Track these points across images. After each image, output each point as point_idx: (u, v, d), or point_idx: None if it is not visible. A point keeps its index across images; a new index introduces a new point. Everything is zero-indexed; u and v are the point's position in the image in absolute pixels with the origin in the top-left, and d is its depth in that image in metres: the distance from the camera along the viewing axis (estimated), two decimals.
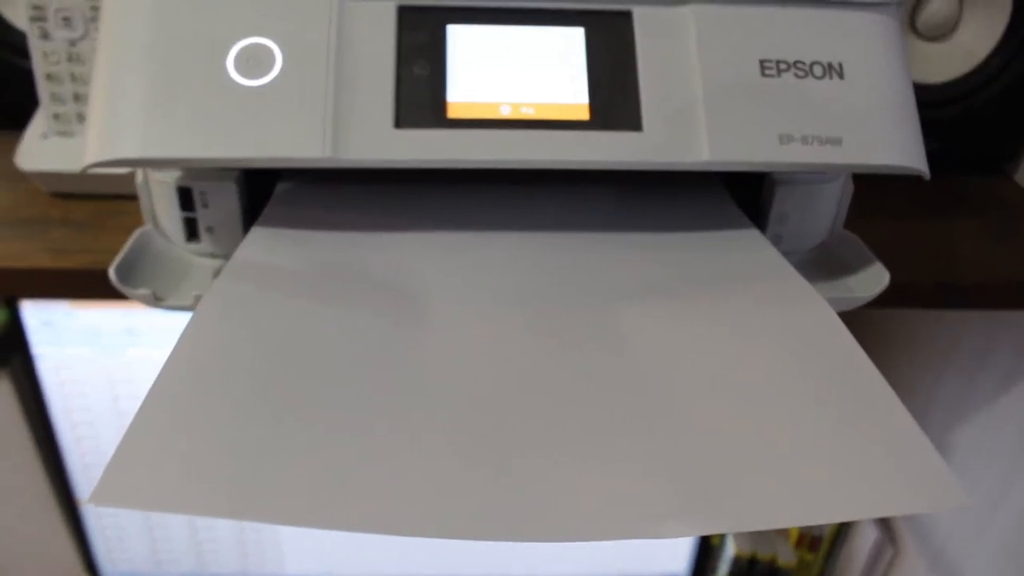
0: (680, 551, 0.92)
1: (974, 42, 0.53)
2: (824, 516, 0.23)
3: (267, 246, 0.37)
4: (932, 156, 0.54)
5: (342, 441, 0.26)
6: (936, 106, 0.54)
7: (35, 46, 0.44)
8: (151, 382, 0.27)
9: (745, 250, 0.39)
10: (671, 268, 0.37)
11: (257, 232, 0.38)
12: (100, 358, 0.73)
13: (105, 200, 0.47)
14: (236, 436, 0.25)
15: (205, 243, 0.40)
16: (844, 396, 0.28)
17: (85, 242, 0.44)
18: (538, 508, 0.24)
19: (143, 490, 0.23)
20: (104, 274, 0.37)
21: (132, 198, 0.42)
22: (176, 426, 0.25)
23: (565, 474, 0.25)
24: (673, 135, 0.35)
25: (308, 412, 0.27)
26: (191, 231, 0.40)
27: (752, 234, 0.40)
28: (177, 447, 0.25)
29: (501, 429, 0.27)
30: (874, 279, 0.40)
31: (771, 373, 0.30)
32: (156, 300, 0.37)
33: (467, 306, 0.34)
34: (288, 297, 0.33)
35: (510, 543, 0.88)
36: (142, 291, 0.37)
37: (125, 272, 0.37)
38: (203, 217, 0.40)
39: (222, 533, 0.87)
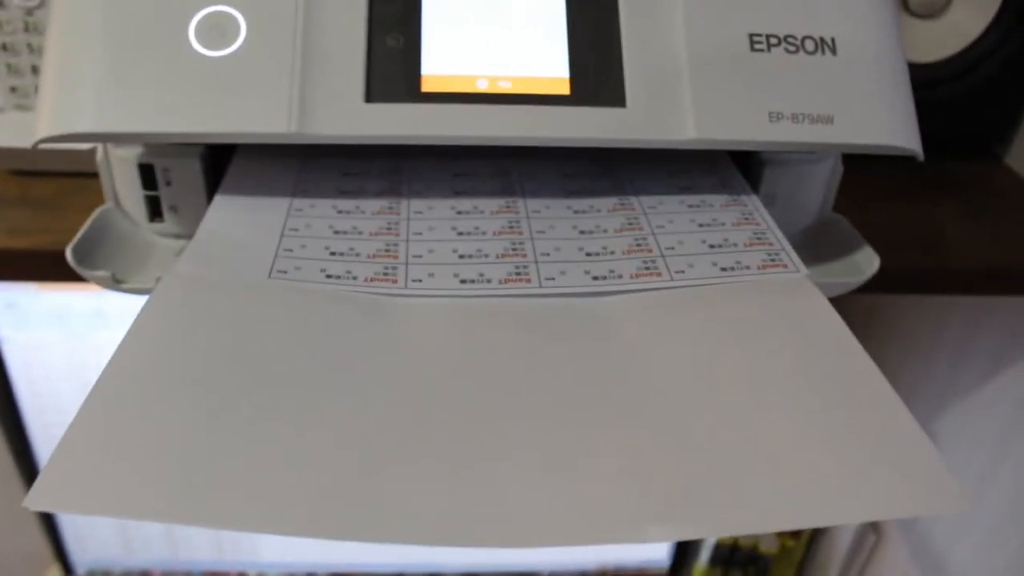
0: None
1: (967, 21, 0.52)
2: (816, 520, 0.22)
3: (229, 223, 0.35)
4: (922, 138, 0.54)
5: (293, 443, 0.24)
6: (927, 86, 0.53)
7: None
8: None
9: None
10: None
11: (219, 203, 0.36)
12: (67, 341, 0.71)
13: (67, 177, 0.45)
14: (181, 438, 0.24)
15: (169, 223, 0.39)
16: (839, 392, 0.27)
17: (44, 222, 0.42)
18: (515, 512, 0.22)
19: (81, 493, 0.21)
20: (63, 255, 0.35)
21: (95, 175, 0.40)
22: (118, 427, 0.24)
23: (544, 475, 0.24)
24: (658, 112, 0.33)
25: (258, 412, 0.25)
26: (154, 210, 0.38)
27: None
28: (118, 449, 0.23)
29: (475, 427, 0.25)
30: (864, 264, 0.39)
31: (762, 368, 0.28)
32: (116, 283, 0.35)
33: (439, 292, 0.32)
34: (246, 287, 0.31)
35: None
36: (101, 273, 0.35)
37: (83, 253, 0.35)
38: (166, 196, 0.38)
39: None
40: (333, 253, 0.33)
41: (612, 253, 0.34)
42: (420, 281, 0.32)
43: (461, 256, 0.34)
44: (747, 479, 0.23)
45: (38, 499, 0.21)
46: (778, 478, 0.23)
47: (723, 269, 0.33)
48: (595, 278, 0.33)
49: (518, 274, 0.33)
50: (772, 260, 0.34)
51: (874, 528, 0.76)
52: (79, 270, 0.35)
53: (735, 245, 0.35)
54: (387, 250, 0.34)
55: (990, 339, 0.61)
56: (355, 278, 0.32)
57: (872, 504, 0.22)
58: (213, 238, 0.34)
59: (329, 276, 0.32)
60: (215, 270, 0.32)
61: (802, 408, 0.26)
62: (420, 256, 0.33)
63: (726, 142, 0.34)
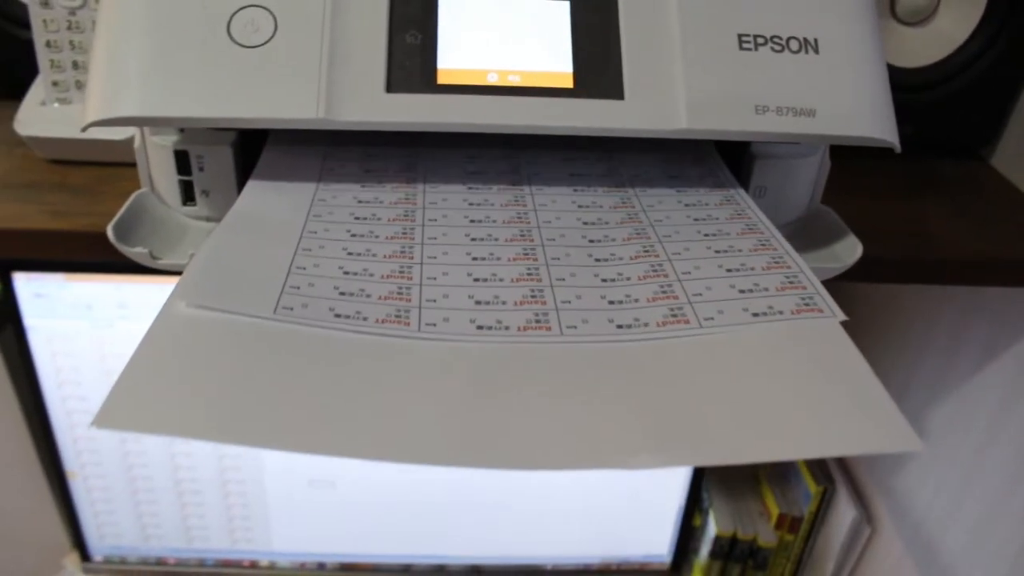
0: (662, 533, 0.93)
1: (952, 27, 0.54)
2: (784, 453, 0.25)
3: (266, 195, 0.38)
4: (911, 140, 0.56)
5: (330, 377, 0.27)
6: (915, 90, 0.55)
7: (35, 13, 0.45)
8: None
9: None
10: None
11: (239, 205, 0.39)
12: (92, 331, 0.74)
13: (102, 167, 0.49)
14: (234, 367, 0.27)
15: (201, 207, 0.41)
16: (809, 348, 0.30)
17: (82, 206, 0.45)
18: (518, 439, 0.25)
19: (144, 414, 0.24)
20: (102, 236, 0.38)
21: (128, 165, 0.43)
22: (178, 355, 0.27)
23: (549, 416, 0.27)
24: (653, 103, 0.36)
25: (304, 348, 0.28)
26: (187, 194, 0.41)
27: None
28: (178, 375, 0.26)
29: (490, 381, 0.28)
30: (848, 250, 0.41)
31: (755, 349, 0.31)
32: (152, 259, 0.38)
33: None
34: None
35: (491, 520, 0.89)
36: (139, 250, 0.38)
37: (122, 231, 0.38)
38: (199, 180, 0.41)
39: (210, 510, 0.88)
40: (343, 293, 0.32)
41: (636, 301, 0.33)
42: (434, 325, 0.31)
43: (478, 303, 0.32)
44: (726, 424, 0.26)
45: (105, 419, 0.23)
46: (753, 422, 0.26)
47: (755, 315, 0.32)
48: (619, 327, 0.32)
49: (538, 322, 0.32)
50: (807, 304, 0.33)
51: (869, 520, 0.79)
52: (119, 247, 0.38)
53: (766, 290, 0.33)
54: (399, 292, 0.33)
55: (979, 331, 0.64)
56: (365, 319, 0.31)
57: (835, 441, 0.25)
58: (222, 257, 0.33)
59: (338, 316, 0.31)
60: (220, 300, 0.30)
61: (776, 362, 0.29)
62: (434, 300, 0.32)
63: (715, 132, 0.36)
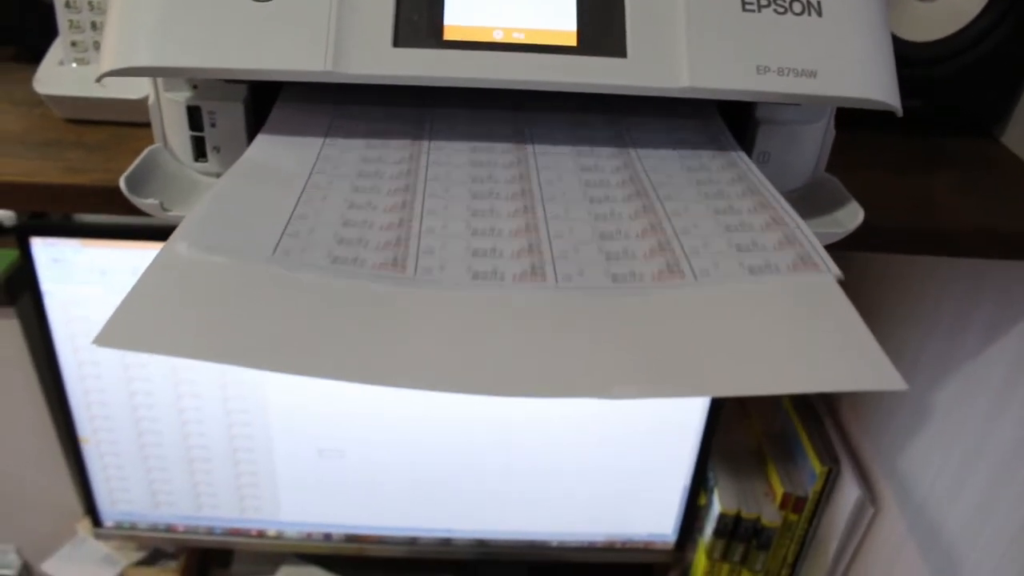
0: (668, 512, 0.94)
1: (963, 1, 0.54)
2: (769, 387, 0.26)
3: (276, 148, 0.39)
4: (920, 113, 0.56)
5: (324, 312, 0.28)
6: (925, 64, 0.56)
7: None
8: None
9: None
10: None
11: (251, 151, 0.40)
12: (106, 297, 0.75)
13: (118, 126, 0.49)
14: (230, 298, 0.28)
15: (212, 162, 0.42)
16: (802, 300, 0.30)
17: (98, 162, 0.46)
18: (502, 368, 0.26)
19: (144, 334, 0.25)
20: (115, 190, 0.39)
21: (143, 125, 0.44)
22: (177, 286, 0.28)
23: (534, 346, 0.27)
24: (655, 62, 0.37)
25: (299, 287, 0.29)
26: (199, 150, 0.42)
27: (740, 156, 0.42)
28: (178, 302, 0.27)
29: (478, 307, 0.29)
30: (850, 216, 0.42)
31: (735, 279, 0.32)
32: (163, 210, 0.39)
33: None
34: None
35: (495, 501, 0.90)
36: (150, 201, 0.39)
37: (134, 184, 0.39)
38: (211, 137, 0.42)
39: (219, 478, 0.89)
40: (342, 240, 0.33)
41: (633, 255, 0.33)
42: (430, 271, 0.31)
43: (475, 252, 0.33)
44: (710, 360, 0.27)
45: (106, 338, 0.24)
46: (739, 359, 0.27)
47: (751, 269, 0.32)
48: (615, 278, 0.32)
49: (534, 272, 0.32)
50: (803, 261, 0.32)
51: (873, 501, 0.79)
52: (131, 198, 0.39)
53: (763, 247, 0.33)
54: (398, 241, 0.33)
55: (984, 312, 0.64)
56: (362, 264, 0.31)
57: (820, 378, 0.26)
58: (225, 203, 0.34)
59: (335, 260, 0.31)
60: (219, 241, 0.31)
61: (771, 316, 0.29)
62: (432, 250, 0.33)
63: (716, 91, 0.37)
